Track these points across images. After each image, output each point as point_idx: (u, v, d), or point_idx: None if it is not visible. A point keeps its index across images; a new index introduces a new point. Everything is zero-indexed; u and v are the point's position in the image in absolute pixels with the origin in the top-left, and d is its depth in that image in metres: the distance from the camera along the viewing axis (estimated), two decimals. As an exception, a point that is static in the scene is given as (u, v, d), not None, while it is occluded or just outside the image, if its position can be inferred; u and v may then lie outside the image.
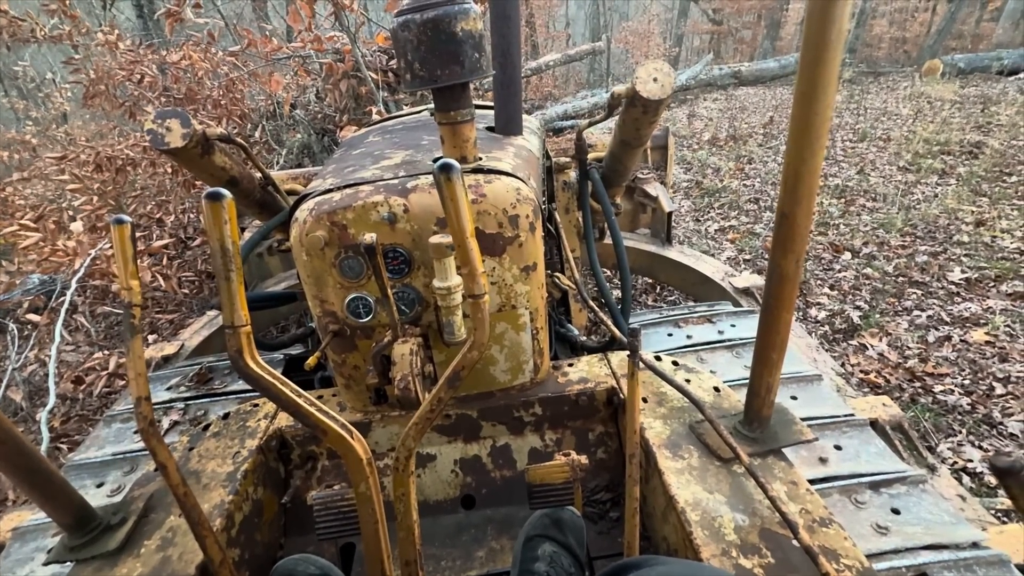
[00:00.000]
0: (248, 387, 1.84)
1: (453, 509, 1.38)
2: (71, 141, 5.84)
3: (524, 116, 1.61)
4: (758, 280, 2.44)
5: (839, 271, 3.67)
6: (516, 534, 1.22)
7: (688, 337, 1.90)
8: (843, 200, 4.82)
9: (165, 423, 1.78)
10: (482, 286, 0.82)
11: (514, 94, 1.40)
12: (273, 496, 1.34)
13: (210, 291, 3.84)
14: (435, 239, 0.97)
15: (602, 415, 1.40)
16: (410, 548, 0.89)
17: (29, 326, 3.38)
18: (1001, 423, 2.33)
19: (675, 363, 1.41)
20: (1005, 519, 1.82)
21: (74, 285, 2.99)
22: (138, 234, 3.76)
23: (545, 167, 1.81)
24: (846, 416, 1.47)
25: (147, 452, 1.48)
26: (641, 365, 1.06)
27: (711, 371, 1.68)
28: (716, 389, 1.29)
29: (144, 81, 3.92)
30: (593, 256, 1.76)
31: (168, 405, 1.86)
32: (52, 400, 2.57)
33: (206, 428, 1.39)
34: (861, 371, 2.72)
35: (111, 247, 3.17)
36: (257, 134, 4.65)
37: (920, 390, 2.57)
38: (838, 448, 1.37)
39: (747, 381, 1.10)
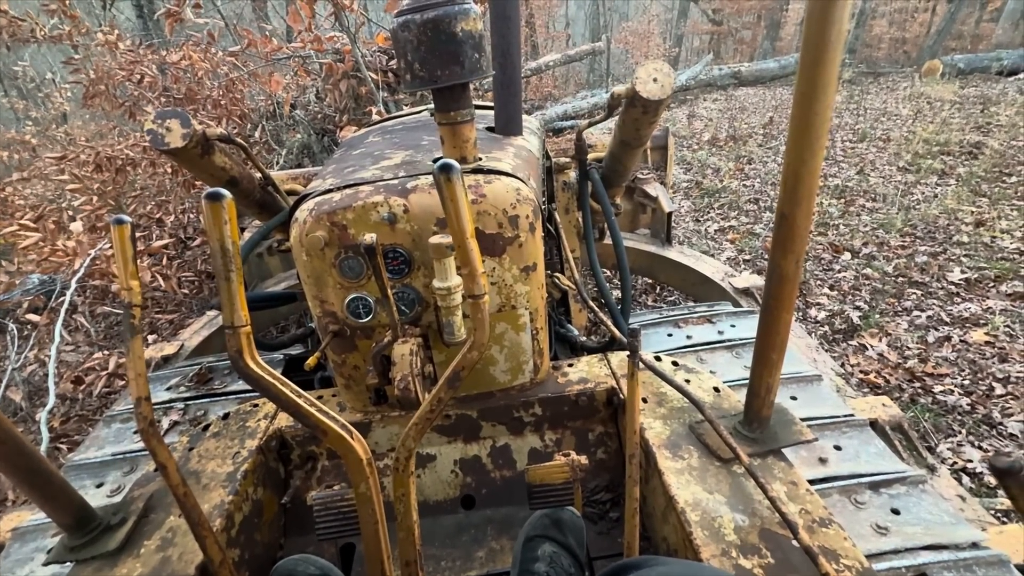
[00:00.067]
0: (248, 387, 1.84)
1: (453, 509, 1.38)
2: (71, 141, 5.85)
3: (524, 116, 1.61)
4: (758, 280, 2.44)
5: (839, 271, 3.67)
6: (516, 534, 1.22)
7: (688, 337, 1.90)
8: (843, 200, 4.82)
9: (165, 423, 1.78)
10: (482, 286, 0.82)
11: (514, 94, 1.40)
12: (273, 496, 1.34)
13: (210, 291, 3.84)
14: (435, 239, 0.97)
15: (602, 415, 1.40)
16: (410, 548, 0.89)
17: (29, 326, 3.38)
18: (1001, 423, 2.33)
19: (675, 363, 1.41)
20: (1005, 519, 1.82)
21: (74, 285, 2.99)
22: (138, 234, 3.76)
23: (545, 167, 1.82)
24: (846, 416, 1.47)
25: (147, 452, 1.48)
26: (641, 365, 1.06)
27: (711, 371, 1.68)
28: (716, 389, 1.29)
29: (144, 81, 3.92)
30: (593, 256, 1.76)
31: (168, 405, 1.86)
32: (52, 400, 2.57)
33: (206, 428, 1.39)
34: (861, 371, 2.72)
35: (111, 247, 3.17)
36: (257, 134, 4.65)
37: (920, 390, 2.57)
38: (838, 448, 1.37)
39: (747, 381, 1.10)
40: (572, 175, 1.97)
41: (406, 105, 4.42)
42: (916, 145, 5.82)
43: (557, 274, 1.75)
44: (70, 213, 3.81)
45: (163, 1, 4.13)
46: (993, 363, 2.67)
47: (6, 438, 0.90)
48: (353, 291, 1.19)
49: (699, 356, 1.77)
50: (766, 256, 3.93)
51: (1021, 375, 2.56)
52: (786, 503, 0.95)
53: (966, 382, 2.58)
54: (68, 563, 1.04)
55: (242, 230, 2.80)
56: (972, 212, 4.25)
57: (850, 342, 2.97)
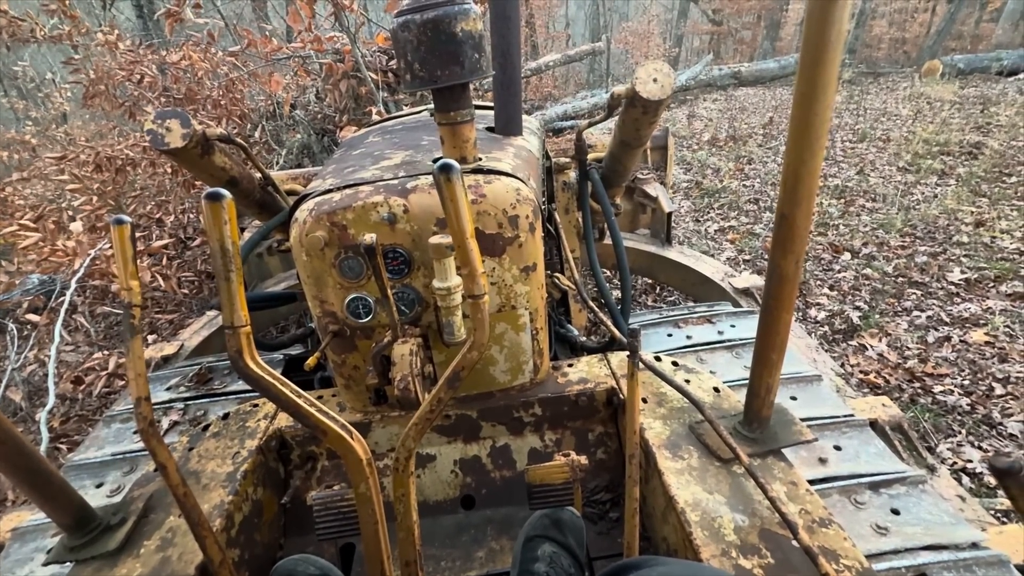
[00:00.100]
0: (248, 387, 1.84)
1: (453, 509, 1.38)
2: (71, 141, 5.85)
3: (524, 116, 1.61)
4: (758, 280, 2.45)
5: (839, 271, 3.67)
6: (516, 534, 1.22)
7: (688, 337, 1.90)
8: (843, 200, 4.82)
9: (165, 423, 1.78)
10: (482, 286, 0.82)
11: (514, 94, 1.40)
12: (273, 496, 1.34)
13: (210, 291, 3.84)
14: (435, 239, 0.97)
15: (602, 415, 1.40)
16: (410, 548, 0.89)
17: (28, 326, 3.38)
18: (1001, 423, 2.33)
19: (675, 363, 1.41)
20: (1004, 519, 1.82)
21: (74, 285, 2.99)
22: (138, 234, 3.76)
23: (545, 167, 1.82)
24: (846, 416, 1.47)
25: (147, 452, 1.48)
26: (641, 365, 1.06)
27: (711, 371, 1.68)
28: (716, 389, 1.29)
29: (144, 81, 3.92)
30: (593, 256, 1.76)
31: (168, 405, 1.86)
32: (51, 400, 2.57)
33: (206, 428, 1.39)
34: (861, 371, 2.72)
35: (111, 247, 3.17)
36: (257, 134, 4.65)
37: (920, 390, 2.57)
38: (838, 448, 1.37)
39: (747, 381, 1.10)
40: (572, 175, 1.97)
41: (406, 105, 4.42)
42: (916, 145, 5.82)
43: (557, 274, 1.75)
44: (70, 213, 3.81)
45: (163, 1, 4.13)
46: (993, 363, 2.67)
47: (6, 438, 0.90)
48: (353, 291, 1.19)
49: (699, 356, 1.77)
50: (766, 256, 3.93)
51: (1021, 375, 2.56)
52: (786, 503, 0.95)
53: (966, 382, 2.58)
54: (68, 563, 1.04)
55: (242, 230, 2.80)
56: (972, 212, 4.25)
57: (850, 342, 2.97)
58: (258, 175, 1.60)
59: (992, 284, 3.31)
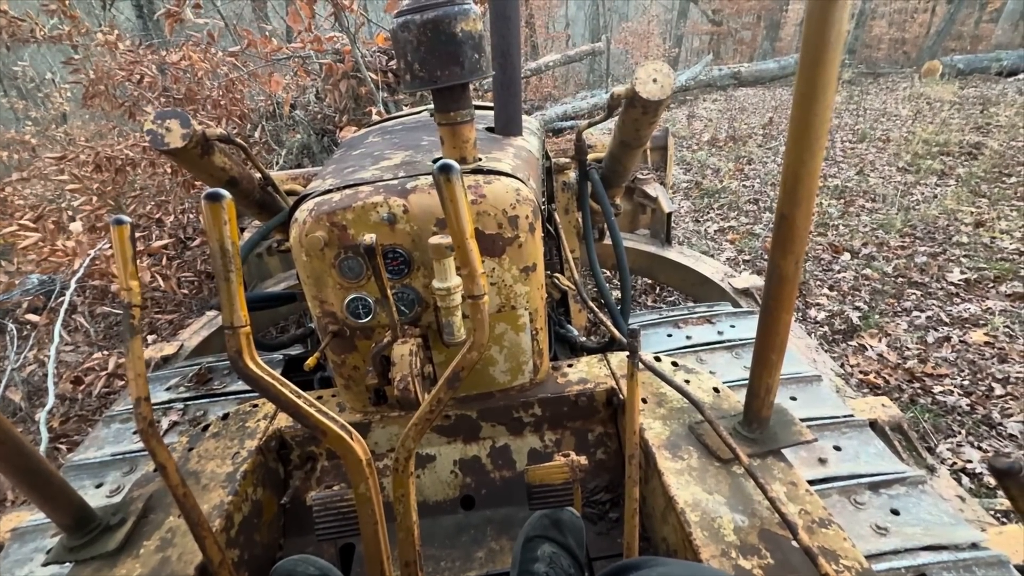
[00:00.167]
0: (247, 388, 1.84)
1: (452, 510, 1.38)
2: (71, 141, 5.85)
3: (524, 117, 1.61)
4: (757, 281, 2.45)
5: (838, 272, 3.67)
6: (515, 535, 1.22)
7: (688, 338, 1.90)
8: (842, 201, 4.83)
9: (164, 424, 1.78)
10: (481, 287, 0.82)
11: (514, 95, 1.40)
12: (272, 497, 1.34)
13: (209, 291, 3.84)
14: (435, 240, 0.97)
15: (601, 416, 1.40)
16: (409, 549, 0.89)
17: (28, 326, 3.38)
18: (1000, 424, 2.33)
19: (675, 364, 1.41)
20: (1004, 520, 1.82)
21: (73, 285, 2.99)
22: (138, 234, 3.76)
23: (545, 168, 1.82)
24: (845, 417, 1.47)
25: (146, 453, 1.48)
26: (640, 366, 1.06)
27: (710, 372, 1.68)
28: (715, 390, 1.29)
29: (144, 81, 3.92)
30: (593, 257, 1.76)
31: (167, 406, 1.86)
32: (51, 400, 2.57)
33: (205, 429, 1.39)
34: (860, 372, 2.72)
35: (110, 247, 3.17)
36: (257, 134, 4.65)
37: (919, 391, 2.57)
38: (837, 449, 1.37)
39: (746, 382, 1.10)
40: (572, 175, 1.97)
41: (406, 105, 4.42)
42: (916, 146, 5.82)
43: (557, 274, 1.75)
44: (70, 213, 3.81)
45: (163, 1, 4.13)
46: (992, 363, 2.67)
47: (5, 438, 0.90)
48: (353, 291, 1.19)
49: (699, 356, 1.77)
50: (766, 256, 3.93)
51: (1021, 375, 2.56)
52: (786, 503, 0.95)
53: (966, 382, 2.58)
54: (67, 563, 1.04)
55: (242, 230, 2.80)
56: (971, 212, 4.25)
57: (850, 342, 2.97)
58: (258, 175, 1.60)
59: (992, 284, 3.31)
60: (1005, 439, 2.27)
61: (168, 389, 1.96)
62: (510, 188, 1.16)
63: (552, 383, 1.39)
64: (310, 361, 1.17)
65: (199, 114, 3.96)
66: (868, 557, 1.09)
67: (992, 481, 2.08)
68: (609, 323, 1.62)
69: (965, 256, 3.65)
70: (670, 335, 1.93)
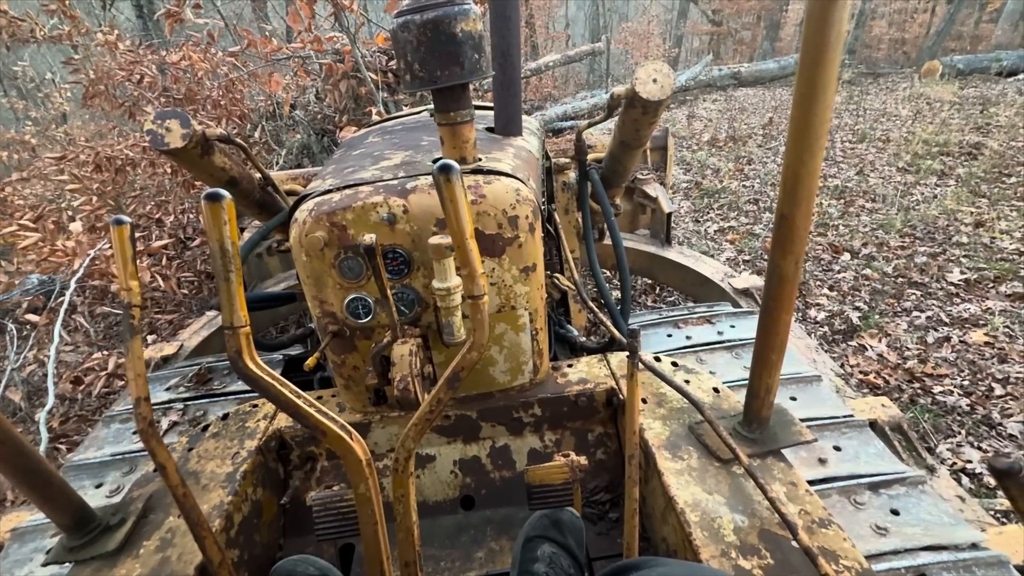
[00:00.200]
0: (247, 388, 1.84)
1: (452, 510, 1.38)
2: (70, 141, 5.85)
3: (524, 117, 1.61)
4: (757, 281, 2.45)
5: (838, 272, 3.68)
6: (515, 535, 1.22)
7: (687, 338, 1.90)
8: (842, 201, 4.83)
9: (164, 424, 1.78)
10: (481, 287, 0.82)
11: (514, 95, 1.40)
12: (272, 497, 1.34)
13: (209, 291, 3.84)
14: (434, 240, 0.97)
15: (601, 416, 1.40)
16: (409, 549, 0.89)
17: (28, 326, 3.38)
18: (1000, 424, 2.33)
19: (674, 364, 1.41)
20: (1004, 520, 1.82)
21: (73, 285, 2.99)
22: (137, 234, 3.76)
23: (545, 168, 1.82)
24: (845, 417, 1.47)
25: (146, 453, 1.48)
26: (640, 366, 1.06)
27: (710, 372, 1.68)
28: (715, 390, 1.29)
29: (144, 81, 3.92)
30: (592, 257, 1.76)
31: (167, 406, 1.86)
32: (51, 400, 2.57)
33: (205, 429, 1.39)
34: (860, 372, 2.72)
35: (110, 247, 3.17)
36: (257, 134, 4.65)
37: (919, 391, 2.57)
38: (837, 449, 1.37)
39: (746, 382, 1.10)
40: (572, 175, 1.97)
41: (406, 105, 4.42)
42: (915, 146, 5.82)
43: (557, 275, 1.75)
44: (70, 213, 3.81)
45: (163, 1, 4.13)
46: (992, 364, 2.67)
47: (5, 438, 0.90)
48: (352, 291, 1.19)
49: (699, 357, 1.77)
50: (765, 257, 3.93)
51: (1020, 376, 2.56)
52: (785, 504, 0.95)
53: (965, 383, 2.58)
54: (67, 564, 1.04)
55: (242, 230, 2.80)
56: (971, 213, 4.25)
57: (850, 343, 2.97)
58: (258, 175, 1.60)
59: (991, 284, 3.31)
60: (1005, 439, 2.27)
61: (168, 389, 1.96)
62: (510, 188, 1.16)
63: (552, 383, 1.39)
64: (310, 361, 1.17)
65: (199, 114, 3.96)
66: (868, 557, 1.09)
67: (992, 481, 2.08)
68: (609, 323, 1.62)
69: (965, 256, 3.65)
70: (670, 335, 1.93)
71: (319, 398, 1.48)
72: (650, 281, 3.51)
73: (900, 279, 3.50)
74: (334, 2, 3.80)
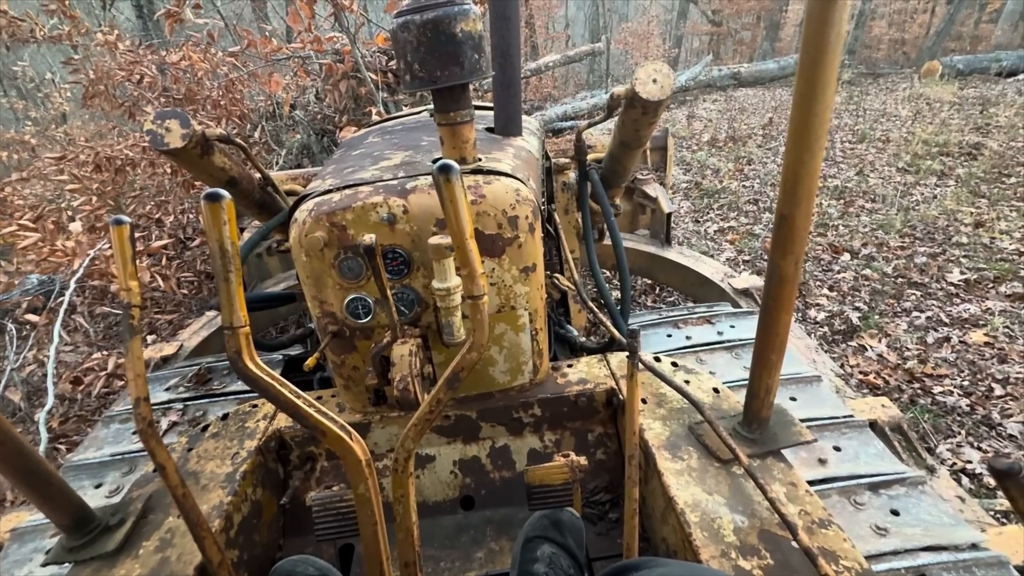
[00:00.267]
0: (247, 388, 1.84)
1: (452, 510, 1.38)
2: (70, 141, 5.84)
3: (523, 117, 1.61)
4: (757, 281, 2.45)
5: (838, 272, 3.68)
6: (515, 535, 1.22)
7: (687, 338, 1.90)
8: (842, 201, 4.83)
9: (164, 424, 1.78)
10: (481, 287, 0.82)
11: (514, 95, 1.40)
12: (272, 497, 1.34)
13: (209, 291, 3.84)
14: (434, 240, 0.97)
15: (601, 416, 1.40)
16: (409, 549, 0.89)
17: (28, 326, 3.37)
18: (1000, 424, 2.33)
19: (674, 364, 1.41)
20: (1004, 520, 1.82)
21: (73, 285, 2.99)
22: (137, 234, 3.76)
23: (544, 168, 1.82)
24: (845, 417, 1.47)
25: (146, 453, 1.47)
26: (640, 366, 1.06)
27: (710, 372, 1.68)
28: (715, 390, 1.29)
29: (144, 81, 3.92)
30: (592, 257, 1.76)
31: (167, 406, 1.86)
32: (51, 400, 2.56)
33: (205, 429, 1.39)
34: (860, 372, 2.72)
35: (110, 247, 3.17)
36: (257, 134, 4.65)
37: (919, 391, 2.57)
38: (837, 449, 1.37)
39: (746, 382, 1.10)
40: (572, 176, 1.97)
41: (406, 106, 4.42)
42: (915, 146, 5.83)
43: (556, 275, 1.75)
44: (69, 213, 3.80)
45: (163, 1, 4.13)
46: (992, 364, 2.67)
47: (5, 438, 0.90)
48: (352, 292, 1.19)
49: (698, 357, 1.77)
50: (765, 257, 3.93)
51: (1020, 376, 2.56)
52: (785, 504, 0.95)
53: (965, 383, 2.58)
54: (67, 564, 1.04)
55: (241, 230, 2.80)
56: (971, 213, 4.26)
57: (849, 343, 2.97)
58: (258, 175, 1.60)
59: (991, 285, 3.31)
60: (1005, 439, 2.27)
61: (168, 389, 1.96)
62: (510, 188, 1.16)
63: (552, 383, 1.39)
64: (310, 361, 1.17)
65: (199, 114, 3.96)
66: (868, 558, 1.09)
67: (992, 482, 2.08)
68: (609, 323, 1.62)
69: (965, 256, 3.65)
70: (670, 335, 1.93)
71: (319, 398, 1.48)
72: (650, 281, 3.51)
73: (900, 279, 3.50)
74: (334, 2, 3.80)
